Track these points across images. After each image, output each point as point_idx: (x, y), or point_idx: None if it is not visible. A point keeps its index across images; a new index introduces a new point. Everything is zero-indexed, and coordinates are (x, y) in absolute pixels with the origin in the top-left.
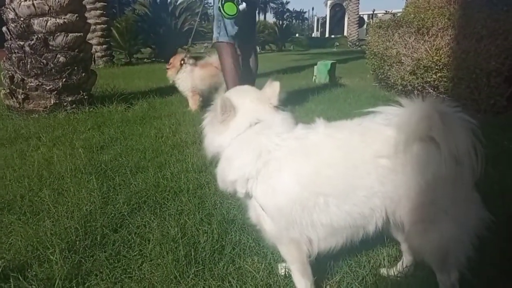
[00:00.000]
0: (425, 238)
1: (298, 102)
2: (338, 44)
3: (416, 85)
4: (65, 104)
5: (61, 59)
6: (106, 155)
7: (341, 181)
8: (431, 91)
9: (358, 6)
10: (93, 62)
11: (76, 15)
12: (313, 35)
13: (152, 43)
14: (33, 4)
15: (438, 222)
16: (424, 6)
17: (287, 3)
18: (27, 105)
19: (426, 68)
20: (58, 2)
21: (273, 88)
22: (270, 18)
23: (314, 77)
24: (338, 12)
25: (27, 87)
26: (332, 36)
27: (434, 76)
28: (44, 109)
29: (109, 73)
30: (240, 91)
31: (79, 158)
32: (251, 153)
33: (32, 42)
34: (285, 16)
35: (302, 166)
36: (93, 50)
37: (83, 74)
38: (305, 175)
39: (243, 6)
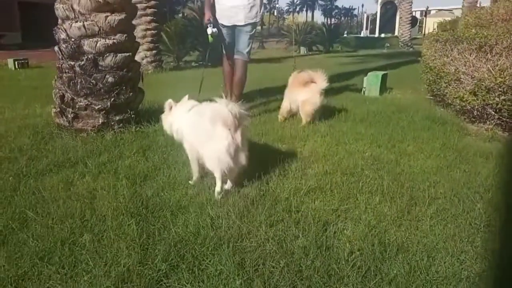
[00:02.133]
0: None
1: (347, 124)
2: (388, 45)
3: (476, 106)
4: (112, 123)
5: (110, 79)
6: (148, 189)
7: (193, 129)
8: (493, 113)
9: (411, 4)
10: (141, 81)
11: (126, 35)
12: (361, 34)
13: (200, 47)
14: (83, 25)
15: (211, 151)
16: (486, 18)
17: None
18: (76, 124)
19: (488, 89)
20: (108, 23)
21: (186, 98)
22: (318, 15)
23: (363, 89)
24: (389, 10)
25: (77, 106)
26: (382, 35)
27: (497, 99)
28: (92, 128)
29: (158, 80)
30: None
31: (122, 192)
32: (182, 114)
33: (82, 62)
34: (333, 13)
35: (188, 118)
36: (143, 55)
37: (131, 93)
38: (189, 122)
39: (210, 30)
